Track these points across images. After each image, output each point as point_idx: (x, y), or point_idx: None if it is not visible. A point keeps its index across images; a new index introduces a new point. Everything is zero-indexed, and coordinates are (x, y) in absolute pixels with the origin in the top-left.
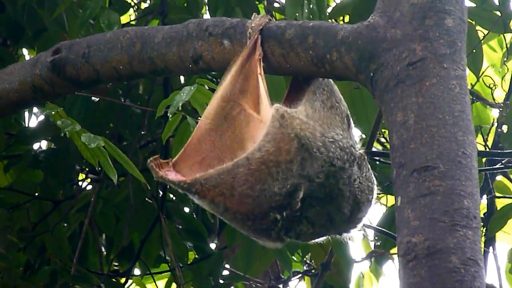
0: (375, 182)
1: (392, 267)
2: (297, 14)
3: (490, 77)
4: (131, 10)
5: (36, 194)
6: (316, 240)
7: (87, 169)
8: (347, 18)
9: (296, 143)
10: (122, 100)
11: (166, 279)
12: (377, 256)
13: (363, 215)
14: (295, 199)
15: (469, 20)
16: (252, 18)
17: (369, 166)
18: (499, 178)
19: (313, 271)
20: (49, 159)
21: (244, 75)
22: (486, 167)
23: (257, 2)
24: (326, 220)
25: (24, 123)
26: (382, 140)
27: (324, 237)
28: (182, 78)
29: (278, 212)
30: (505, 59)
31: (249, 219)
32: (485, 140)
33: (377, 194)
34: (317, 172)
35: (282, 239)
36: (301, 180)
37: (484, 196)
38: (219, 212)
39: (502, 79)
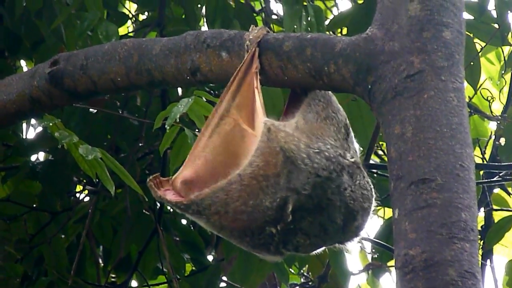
0: (373, 189)
1: (389, 280)
2: (295, 26)
3: (488, 90)
4: (129, 22)
5: (34, 205)
6: (315, 251)
7: (84, 181)
8: (345, 31)
9: (282, 156)
10: (120, 112)
11: None
12: (375, 269)
13: (360, 223)
14: (286, 212)
15: (467, 33)
16: (250, 30)
17: (365, 174)
18: (497, 191)
19: (310, 283)
20: (46, 171)
21: (241, 89)
22: (484, 180)
23: (255, 14)
24: (320, 230)
25: (22, 134)
26: (380, 152)
27: (323, 248)
28: (179, 90)
29: (272, 226)
30: (503, 71)
31: (246, 235)
32: (483, 153)
33: (375, 205)
34: (303, 184)
35: (281, 252)
36: (289, 193)
37: (482, 209)
38: (216, 230)
39: (500, 92)
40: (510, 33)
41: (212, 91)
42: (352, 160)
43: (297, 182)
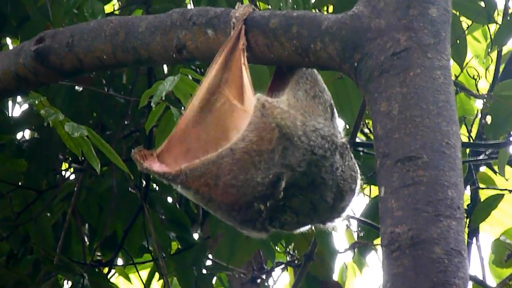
0: (359, 171)
1: (375, 258)
2: (281, 4)
3: (474, 68)
4: None
5: (20, 183)
6: (300, 229)
7: (70, 159)
8: (331, 8)
9: (277, 132)
10: (106, 90)
11: (149, 269)
12: (361, 247)
13: (346, 204)
14: (278, 188)
15: (453, 11)
16: (236, 7)
17: (352, 155)
18: (483, 169)
19: (296, 261)
20: (32, 149)
21: (228, 65)
22: (470, 158)
23: None
24: (310, 209)
25: (8, 112)
26: (366, 130)
27: (308, 226)
28: (165, 68)
29: (262, 202)
30: (489, 50)
31: (234, 210)
32: (469, 131)
33: (361, 184)
34: (298, 161)
35: (266, 229)
36: (283, 169)
37: (468, 187)
38: (203, 203)
39: (486, 70)
40: (496, 11)
41: (198, 69)
42: (343, 140)
43: (293, 159)
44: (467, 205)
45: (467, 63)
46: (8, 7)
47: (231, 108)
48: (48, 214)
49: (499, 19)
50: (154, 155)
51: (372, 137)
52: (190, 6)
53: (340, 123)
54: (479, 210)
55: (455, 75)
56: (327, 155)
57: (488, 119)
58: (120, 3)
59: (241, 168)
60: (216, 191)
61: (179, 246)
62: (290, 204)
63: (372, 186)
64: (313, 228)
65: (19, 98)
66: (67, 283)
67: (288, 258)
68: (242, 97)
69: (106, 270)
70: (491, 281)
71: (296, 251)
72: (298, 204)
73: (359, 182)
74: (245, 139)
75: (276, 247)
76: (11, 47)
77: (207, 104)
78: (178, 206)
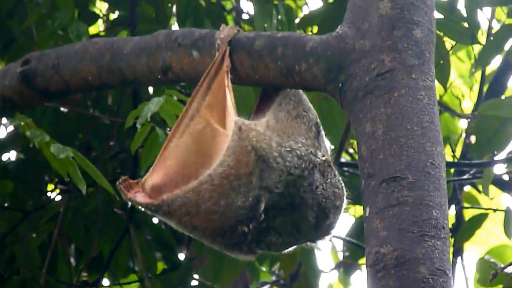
0: (344, 188)
1: (360, 278)
2: (265, 25)
3: (459, 88)
4: (100, 21)
5: (6, 204)
6: (287, 249)
7: (56, 180)
8: (315, 29)
9: (253, 155)
10: (91, 111)
11: None
12: (346, 267)
13: (332, 221)
14: (258, 210)
15: (437, 31)
16: (221, 29)
17: (336, 172)
18: (467, 188)
19: (281, 281)
20: (18, 170)
21: (212, 88)
22: (455, 178)
23: (225, 13)
24: (293, 228)
25: None
26: (351, 150)
27: (296, 246)
28: (151, 89)
29: (245, 225)
30: (473, 70)
31: (219, 235)
32: (454, 151)
33: (346, 204)
34: (275, 182)
35: (253, 251)
36: (261, 191)
37: (453, 207)
38: (188, 231)
39: (470, 90)
40: (480, 32)
41: (183, 90)
42: (323, 158)
43: (270, 181)
44: (452, 225)
45: (451, 83)
46: None
47: (213, 133)
48: (34, 235)
49: (483, 39)
50: (140, 184)
51: (357, 157)
52: (175, 27)
53: (327, 141)
54: (464, 230)
55: (439, 95)
56: (305, 174)
57: (473, 138)
58: (105, 24)
59: (221, 193)
60: (198, 218)
61: (165, 267)
62: (273, 225)
63: (357, 206)
64: (298, 248)
65: (4, 120)
66: None
67: (273, 278)
68: (225, 121)
69: None
70: None
71: (281, 271)
72: (280, 225)
73: (345, 198)
74: (223, 163)
75: (262, 267)
76: None
77: (187, 128)
78: (164, 227)
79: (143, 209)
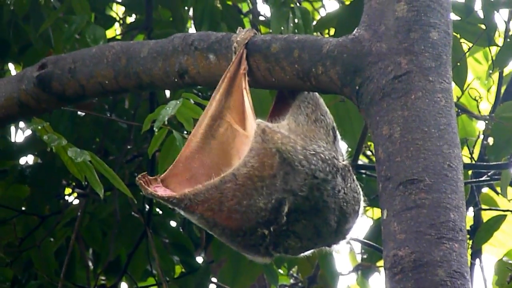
0: (361, 193)
1: (378, 280)
2: (282, 28)
3: (476, 90)
4: (117, 24)
5: (23, 209)
6: (305, 253)
7: (73, 184)
8: (332, 32)
9: (278, 157)
10: (108, 115)
11: None
12: (364, 269)
13: (351, 226)
14: (281, 213)
15: (454, 33)
16: (237, 32)
17: (354, 177)
18: (485, 190)
19: (299, 284)
20: (35, 174)
21: (230, 90)
22: (472, 180)
23: (242, 16)
24: (313, 233)
25: (10, 138)
26: (368, 153)
27: (312, 250)
28: (167, 93)
29: (265, 228)
30: (491, 71)
31: (238, 235)
32: (471, 153)
33: (364, 206)
34: (300, 185)
35: (270, 254)
36: (285, 194)
37: (470, 209)
38: (208, 227)
39: (487, 91)
40: (497, 33)
41: (200, 93)
42: (344, 162)
43: (294, 184)
44: (470, 227)
45: (468, 85)
46: (10, 33)
47: (233, 134)
48: (52, 240)
49: (500, 40)
50: (158, 180)
51: (374, 159)
52: (191, 31)
53: (343, 146)
54: (482, 232)
55: (456, 97)
56: (329, 178)
57: (490, 140)
58: (121, 28)
59: (244, 193)
60: (220, 216)
61: (183, 270)
62: (293, 229)
63: (375, 208)
64: (316, 250)
65: (22, 124)
66: None
67: (291, 281)
68: (244, 122)
69: None
70: None
71: (299, 274)
72: (301, 229)
73: (362, 203)
74: (247, 164)
75: (280, 270)
76: (13, 73)
77: (210, 130)
78: (181, 230)
79: (164, 202)
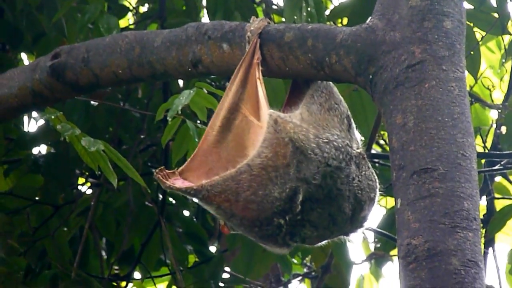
0: (377, 180)
1: (392, 269)
2: (295, 17)
3: (489, 79)
4: (130, 14)
5: (36, 198)
6: (322, 242)
7: (87, 173)
8: (345, 21)
9: (291, 146)
10: (122, 104)
11: (167, 283)
12: (377, 258)
13: (367, 214)
14: (295, 202)
15: (467, 22)
16: (251, 21)
17: (369, 165)
18: (498, 179)
19: (313, 273)
20: (49, 164)
21: (245, 81)
22: (485, 169)
23: (255, 5)
24: (329, 221)
25: (24, 127)
26: (382, 142)
27: (330, 239)
28: (181, 82)
29: (281, 217)
30: (504, 60)
31: (255, 225)
32: (484, 142)
33: (379, 195)
34: (313, 173)
35: (288, 244)
36: (299, 183)
37: (484, 198)
38: (226, 218)
39: (500, 80)
40: (510, 22)
41: (213, 83)
42: (358, 150)
43: (307, 172)
44: (483, 215)
45: (481, 74)
46: (23, 23)
47: (248, 125)
48: (65, 229)
49: None
50: (176, 173)
51: (388, 148)
52: (205, 20)
53: (357, 134)
54: (495, 220)
55: (470, 85)
56: (342, 166)
57: (503, 129)
58: (135, 17)
59: (260, 183)
60: (237, 206)
61: (197, 260)
62: (308, 218)
63: (389, 197)
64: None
65: (35, 114)
66: None
67: (305, 270)
68: (259, 113)
69: (123, 284)
70: None
71: (313, 263)
72: (316, 218)
73: (378, 191)
74: (261, 155)
75: (293, 259)
76: (26, 62)
77: (227, 122)
78: (195, 220)
79: (182, 194)
